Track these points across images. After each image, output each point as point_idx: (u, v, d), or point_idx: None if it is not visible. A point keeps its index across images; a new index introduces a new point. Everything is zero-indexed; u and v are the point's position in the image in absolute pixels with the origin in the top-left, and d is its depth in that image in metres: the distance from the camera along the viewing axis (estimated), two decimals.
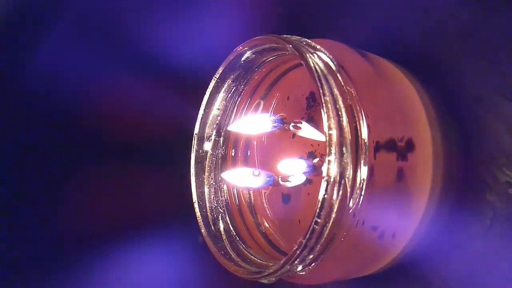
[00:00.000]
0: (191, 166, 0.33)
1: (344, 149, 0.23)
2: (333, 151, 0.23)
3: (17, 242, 0.41)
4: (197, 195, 0.33)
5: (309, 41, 0.27)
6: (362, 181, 0.24)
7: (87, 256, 0.41)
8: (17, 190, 0.42)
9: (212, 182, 0.33)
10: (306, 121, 0.30)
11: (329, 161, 0.23)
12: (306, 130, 0.30)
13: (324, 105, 0.24)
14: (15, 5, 0.41)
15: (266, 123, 0.31)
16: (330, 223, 0.24)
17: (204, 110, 0.33)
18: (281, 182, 0.30)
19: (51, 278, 0.40)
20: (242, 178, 0.30)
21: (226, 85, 0.32)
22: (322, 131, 0.24)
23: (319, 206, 0.23)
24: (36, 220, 0.42)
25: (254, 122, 0.31)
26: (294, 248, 0.24)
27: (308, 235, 0.24)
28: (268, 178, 0.30)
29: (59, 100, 0.43)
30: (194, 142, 0.33)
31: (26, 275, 0.40)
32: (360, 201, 0.24)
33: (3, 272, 0.40)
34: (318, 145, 0.30)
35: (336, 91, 0.24)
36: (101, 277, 0.41)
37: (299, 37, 0.28)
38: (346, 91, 0.24)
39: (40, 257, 0.41)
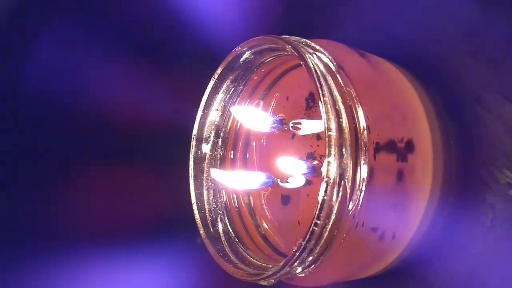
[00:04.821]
0: (190, 168, 0.33)
1: (343, 150, 0.23)
2: (332, 152, 0.23)
3: (14, 242, 0.41)
4: (195, 196, 0.33)
5: (309, 41, 0.27)
6: (362, 182, 0.24)
7: (84, 256, 0.41)
8: (14, 191, 0.42)
9: (211, 183, 0.33)
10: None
11: (328, 162, 0.23)
12: (306, 126, 0.30)
13: (323, 106, 0.23)
14: (13, 5, 0.41)
15: (265, 123, 0.31)
16: (330, 225, 0.23)
17: (202, 111, 0.33)
18: (280, 184, 0.30)
19: (49, 278, 0.40)
20: (235, 181, 0.30)
21: (225, 86, 0.32)
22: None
23: (318, 207, 0.23)
24: (32, 221, 0.42)
25: (256, 116, 0.31)
26: (294, 250, 0.24)
27: (307, 237, 0.24)
28: (267, 180, 0.30)
29: (58, 101, 0.42)
30: (193, 143, 0.33)
31: (22, 275, 0.40)
32: (360, 203, 0.24)
33: (1, 271, 0.40)
34: (318, 146, 0.30)
35: (335, 92, 0.24)
36: (99, 277, 0.41)
37: (298, 38, 0.28)
38: (345, 92, 0.24)
39: (38, 257, 0.41)
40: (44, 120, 0.43)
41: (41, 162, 0.43)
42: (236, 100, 0.33)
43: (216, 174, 0.31)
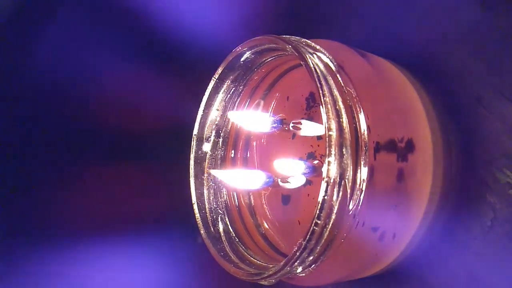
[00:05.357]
0: (190, 167, 0.33)
1: (344, 150, 0.23)
2: (333, 152, 0.23)
3: (14, 240, 0.41)
4: (196, 196, 0.33)
5: (309, 41, 0.27)
6: (362, 182, 0.24)
7: (85, 256, 0.41)
8: (14, 188, 0.42)
9: (211, 183, 0.33)
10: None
11: (329, 162, 0.23)
12: (307, 127, 0.30)
13: (324, 106, 0.23)
14: (14, 2, 0.41)
15: (265, 123, 0.31)
16: (330, 225, 0.24)
17: (203, 110, 0.33)
18: (280, 183, 0.30)
19: (50, 278, 0.40)
20: (236, 179, 0.30)
21: (225, 86, 0.32)
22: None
23: (319, 207, 0.23)
24: (33, 219, 0.42)
25: (255, 118, 0.31)
26: (294, 250, 0.24)
27: (308, 237, 0.24)
28: (267, 179, 0.30)
29: (59, 100, 0.42)
30: (193, 143, 0.33)
31: (21, 273, 0.40)
32: (360, 202, 0.24)
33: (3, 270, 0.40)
34: (318, 146, 0.30)
35: (336, 92, 0.24)
36: (100, 277, 0.41)
37: (298, 38, 0.28)
38: (346, 91, 0.24)
39: (37, 256, 0.41)
40: (45, 119, 0.43)
41: (43, 161, 0.43)
42: (236, 100, 0.33)
43: (217, 173, 0.31)
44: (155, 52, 0.43)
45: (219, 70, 0.32)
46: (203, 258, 0.34)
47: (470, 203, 0.29)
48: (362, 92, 0.25)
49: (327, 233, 0.24)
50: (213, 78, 0.32)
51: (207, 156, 0.34)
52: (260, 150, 0.34)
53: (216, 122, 0.33)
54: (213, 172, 0.32)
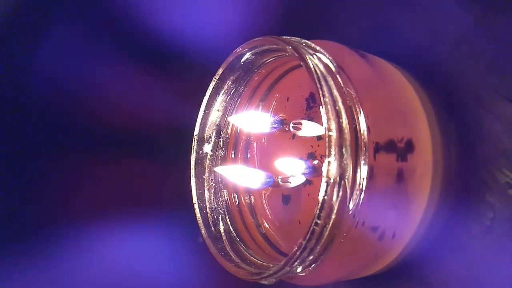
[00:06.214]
0: (191, 167, 0.33)
1: (344, 150, 0.23)
2: (332, 152, 0.23)
3: (16, 244, 0.41)
4: (197, 196, 0.33)
5: (309, 42, 0.27)
6: (362, 182, 0.24)
7: (86, 256, 0.41)
8: (16, 188, 0.42)
9: (212, 183, 0.33)
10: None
11: (329, 162, 0.23)
12: (307, 127, 0.30)
13: (323, 106, 0.24)
14: (15, 3, 0.41)
15: (266, 123, 0.31)
16: (330, 224, 0.24)
17: (204, 111, 0.33)
18: (281, 183, 0.30)
19: (50, 275, 0.41)
20: (238, 175, 0.30)
21: (226, 86, 0.33)
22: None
23: (319, 207, 0.23)
24: (34, 221, 0.42)
25: (256, 119, 0.31)
26: (294, 249, 0.24)
27: (308, 236, 0.24)
28: (268, 179, 0.30)
29: (61, 102, 0.43)
30: (194, 143, 0.33)
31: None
32: (360, 202, 0.24)
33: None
34: (318, 146, 0.30)
35: (335, 93, 0.24)
36: (101, 277, 0.41)
37: (298, 38, 0.28)
38: (345, 92, 0.25)
39: (38, 255, 0.41)
40: (47, 120, 0.43)
41: (45, 162, 0.43)
42: (237, 101, 0.33)
43: (221, 170, 0.31)
44: (156, 54, 0.44)
45: (220, 71, 0.32)
46: (204, 257, 0.34)
47: (470, 203, 0.29)
48: (362, 92, 0.25)
49: (327, 232, 0.24)
50: (213, 78, 0.32)
51: (208, 156, 0.34)
52: (260, 150, 0.34)
53: (217, 123, 0.34)
54: (217, 169, 0.32)
